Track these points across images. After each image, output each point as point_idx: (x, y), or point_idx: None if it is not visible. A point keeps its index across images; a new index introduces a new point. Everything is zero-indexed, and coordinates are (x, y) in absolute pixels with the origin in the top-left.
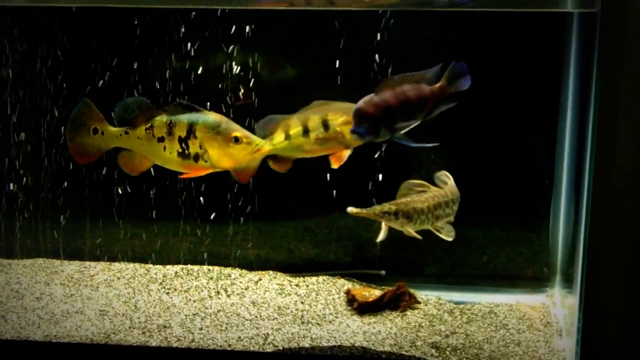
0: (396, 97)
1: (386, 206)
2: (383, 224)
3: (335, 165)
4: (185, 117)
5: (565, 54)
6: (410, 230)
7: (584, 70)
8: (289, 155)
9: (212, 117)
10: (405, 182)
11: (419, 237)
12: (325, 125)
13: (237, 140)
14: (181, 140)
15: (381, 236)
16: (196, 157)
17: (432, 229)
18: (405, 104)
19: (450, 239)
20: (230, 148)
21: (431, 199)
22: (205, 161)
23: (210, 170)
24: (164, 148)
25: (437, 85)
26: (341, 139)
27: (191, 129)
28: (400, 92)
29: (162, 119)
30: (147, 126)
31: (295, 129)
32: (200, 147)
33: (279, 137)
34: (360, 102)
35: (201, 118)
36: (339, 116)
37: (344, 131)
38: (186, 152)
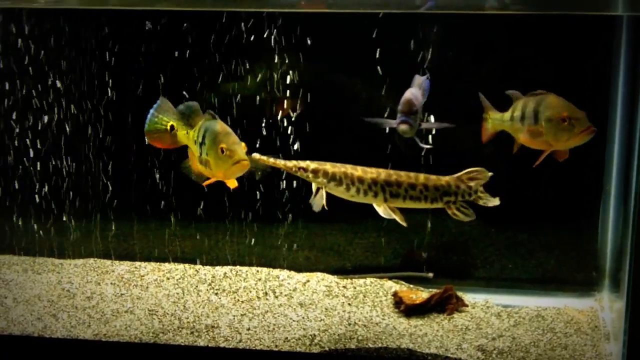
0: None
1: (304, 162)
2: (315, 187)
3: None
4: (202, 125)
5: (615, 57)
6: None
7: (634, 73)
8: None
9: (217, 126)
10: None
11: (399, 219)
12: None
13: (222, 151)
14: (200, 146)
15: (316, 203)
16: (206, 164)
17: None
18: None
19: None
20: (219, 159)
21: (383, 173)
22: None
23: (215, 179)
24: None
25: None
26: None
27: (204, 137)
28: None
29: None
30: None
31: None
32: (207, 154)
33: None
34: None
35: (210, 127)
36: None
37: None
38: (202, 158)
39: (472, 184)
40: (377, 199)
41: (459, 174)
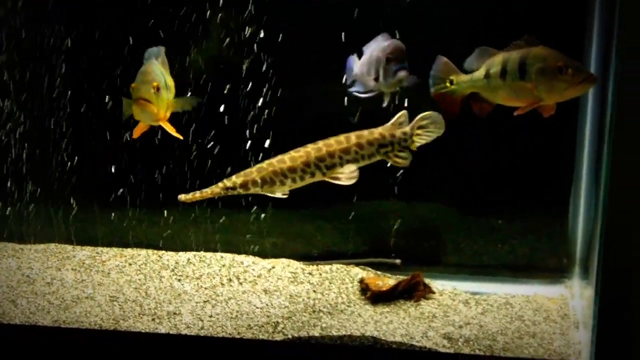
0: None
1: (229, 181)
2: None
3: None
4: None
5: (587, 40)
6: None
7: (605, 59)
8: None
9: (144, 67)
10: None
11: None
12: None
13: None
14: None
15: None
16: None
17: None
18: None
19: (351, 182)
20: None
21: (313, 150)
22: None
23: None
24: None
25: None
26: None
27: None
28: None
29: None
30: None
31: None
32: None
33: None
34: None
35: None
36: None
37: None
38: None
39: (406, 129)
40: (316, 177)
41: (389, 123)
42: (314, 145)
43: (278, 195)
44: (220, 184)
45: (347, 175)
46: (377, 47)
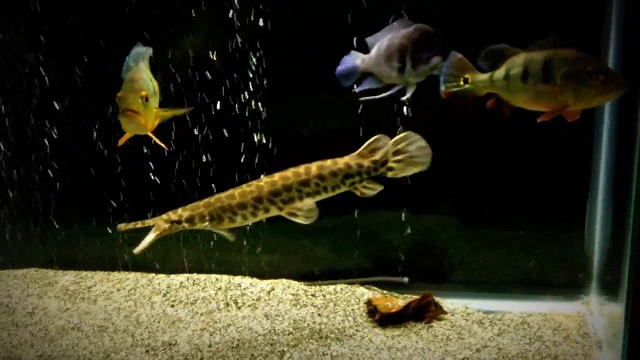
0: None
1: (175, 213)
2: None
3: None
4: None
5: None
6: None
7: (625, 57)
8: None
9: (130, 73)
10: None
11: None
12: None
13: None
14: None
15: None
16: None
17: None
18: None
19: (309, 221)
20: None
21: (267, 184)
22: None
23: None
24: None
25: None
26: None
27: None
28: None
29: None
30: None
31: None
32: None
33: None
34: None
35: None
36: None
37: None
38: None
39: (376, 157)
40: (272, 212)
41: (360, 149)
42: (268, 178)
43: (226, 235)
44: (164, 216)
45: (305, 213)
46: (398, 34)
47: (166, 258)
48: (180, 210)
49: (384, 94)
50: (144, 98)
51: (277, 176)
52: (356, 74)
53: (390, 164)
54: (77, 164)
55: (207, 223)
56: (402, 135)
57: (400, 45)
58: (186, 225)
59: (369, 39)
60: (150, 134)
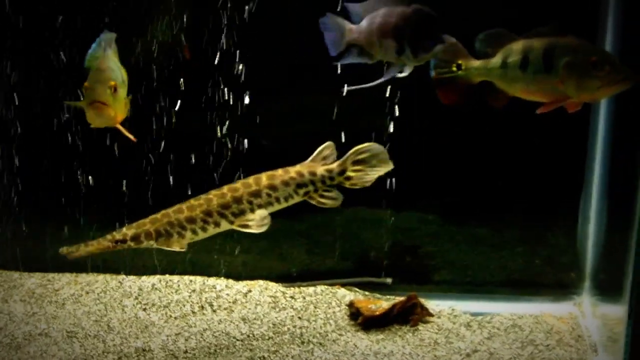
0: None
1: (119, 233)
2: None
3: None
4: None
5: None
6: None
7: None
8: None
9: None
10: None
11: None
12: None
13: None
14: None
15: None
16: None
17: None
18: None
19: (262, 230)
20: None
21: (215, 197)
22: None
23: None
24: None
25: None
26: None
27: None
28: None
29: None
30: None
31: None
32: None
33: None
34: None
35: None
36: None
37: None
38: None
39: (333, 165)
40: (223, 227)
41: (311, 157)
42: (217, 191)
43: (176, 249)
44: (108, 236)
45: (257, 222)
46: (393, 12)
47: (135, 259)
48: (124, 229)
49: (376, 82)
50: (112, 88)
51: (225, 188)
52: (342, 44)
53: (348, 173)
54: (42, 161)
55: (153, 241)
56: (364, 145)
57: (394, 25)
58: (132, 244)
59: (351, 7)
60: (118, 126)
